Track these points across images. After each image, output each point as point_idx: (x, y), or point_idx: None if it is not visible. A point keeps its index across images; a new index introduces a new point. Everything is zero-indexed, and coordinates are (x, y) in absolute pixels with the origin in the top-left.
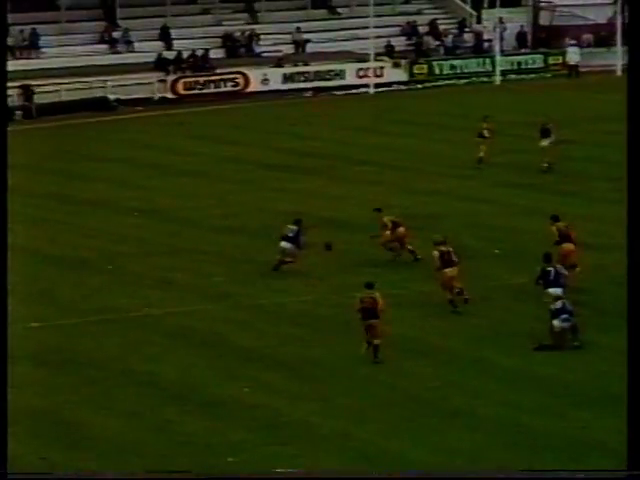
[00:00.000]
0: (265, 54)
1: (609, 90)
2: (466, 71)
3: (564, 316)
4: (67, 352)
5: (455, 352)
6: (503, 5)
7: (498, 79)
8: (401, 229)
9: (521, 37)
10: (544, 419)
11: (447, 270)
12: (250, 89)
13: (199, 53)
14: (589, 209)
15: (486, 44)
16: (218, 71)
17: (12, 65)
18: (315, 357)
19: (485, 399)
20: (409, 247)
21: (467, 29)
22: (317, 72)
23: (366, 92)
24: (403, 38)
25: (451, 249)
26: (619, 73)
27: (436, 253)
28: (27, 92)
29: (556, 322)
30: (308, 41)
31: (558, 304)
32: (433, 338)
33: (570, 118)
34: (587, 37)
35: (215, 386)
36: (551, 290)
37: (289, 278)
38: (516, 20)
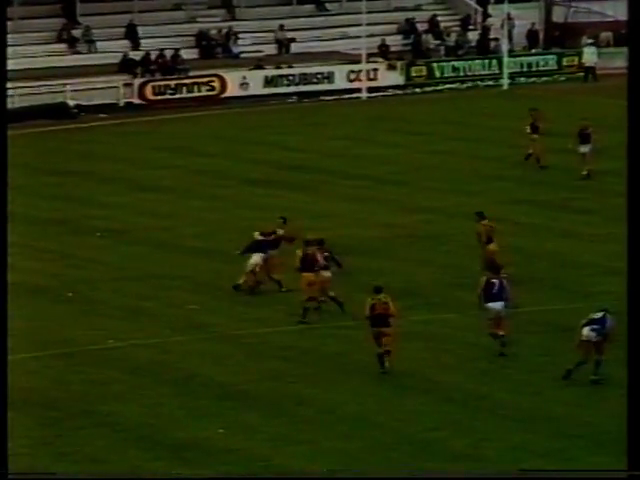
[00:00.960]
0: (244, 55)
1: None
2: (470, 74)
3: (596, 326)
4: (21, 391)
5: (457, 388)
6: (512, 0)
7: (506, 83)
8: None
9: (532, 36)
10: (557, 464)
11: (306, 274)
12: (227, 94)
13: (169, 53)
14: (608, 229)
15: (493, 43)
16: (191, 74)
17: None
18: (299, 394)
19: (491, 441)
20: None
21: (471, 27)
22: (303, 75)
23: (358, 97)
24: (399, 37)
25: (326, 253)
26: None
27: (299, 253)
28: None
29: (585, 330)
30: (293, 40)
31: (599, 314)
32: (432, 373)
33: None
34: (606, 35)
35: (187, 427)
36: (491, 305)
37: (270, 307)
38: (526, 17)
